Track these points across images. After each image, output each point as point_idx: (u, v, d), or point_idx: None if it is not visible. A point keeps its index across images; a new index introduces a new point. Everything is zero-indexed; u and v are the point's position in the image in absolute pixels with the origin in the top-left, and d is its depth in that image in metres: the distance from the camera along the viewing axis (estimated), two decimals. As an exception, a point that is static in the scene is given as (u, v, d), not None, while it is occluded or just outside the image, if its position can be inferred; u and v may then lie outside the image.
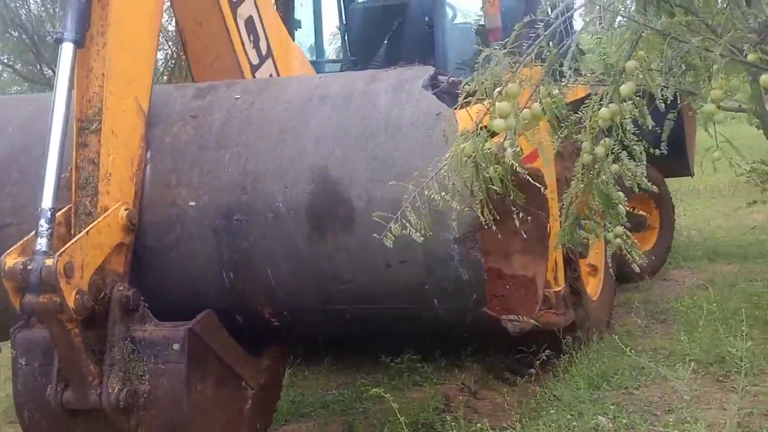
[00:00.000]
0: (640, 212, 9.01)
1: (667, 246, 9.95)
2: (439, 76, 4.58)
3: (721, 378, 6.00)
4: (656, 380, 6.01)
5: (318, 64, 8.22)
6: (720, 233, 11.91)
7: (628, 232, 4.05)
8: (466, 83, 3.40)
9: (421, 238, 3.31)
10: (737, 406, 5.40)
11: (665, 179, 9.53)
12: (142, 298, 4.19)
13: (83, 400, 4.05)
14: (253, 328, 4.62)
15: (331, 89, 4.63)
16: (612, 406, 5.45)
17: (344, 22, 8.80)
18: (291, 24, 7.94)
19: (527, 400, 5.97)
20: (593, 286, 7.58)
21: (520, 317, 4.77)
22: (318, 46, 8.72)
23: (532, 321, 4.85)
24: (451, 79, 4.64)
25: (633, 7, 3.26)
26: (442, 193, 3.31)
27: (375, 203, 4.04)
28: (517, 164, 3.27)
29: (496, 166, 3.23)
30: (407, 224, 3.29)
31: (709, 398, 5.55)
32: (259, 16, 5.76)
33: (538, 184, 3.82)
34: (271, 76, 5.84)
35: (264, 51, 5.82)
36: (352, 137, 4.33)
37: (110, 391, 4.01)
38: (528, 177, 3.51)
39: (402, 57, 7.21)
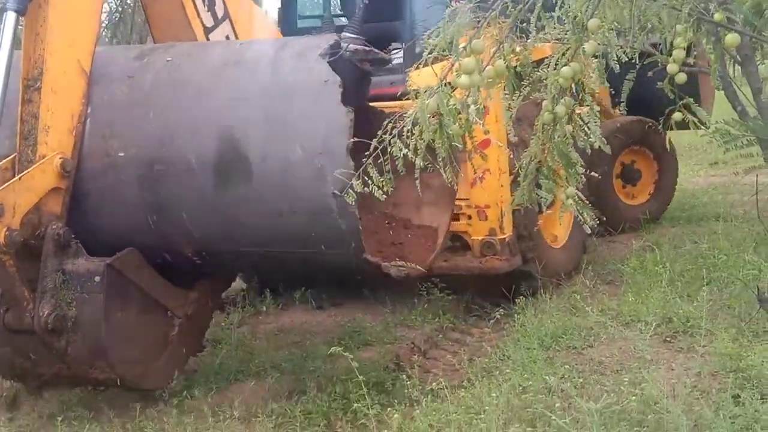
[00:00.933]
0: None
1: (667, 196, 10.17)
2: (343, 44, 4.99)
3: (668, 338, 6.05)
4: (605, 341, 6.05)
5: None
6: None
7: (580, 194, 4.07)
8: (429, 38, 3.34)
9: (384, 196, 3.27)
10: (685, 366, 5.47)
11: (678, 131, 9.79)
12: (73, 235, 4.83)
13: (19, 321, 4.77)
14: (180, 265, 5.24)
15: (246, 55, 5.30)
16: (564, 366, 5.48)
17: None
18: None
19: (480, 360, 5.98)
20: (560, 233, 7.88)
21: (407, 264, 5.21)
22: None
23: (419, 267, 5.31)
24: (352, 47, 5.11)
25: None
26: (404, 151, 3.26)
27: (268, 160, 4.73)
28: (481, 121, 3.23)
29: (459, 122, 3.19)
30: (369, 181, 3.25)
31: (658, 358, 5.59)
32: None
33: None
34: (227, 37, 6.31)
35: (220, 14, 6.29)
36: (255, 100, 4.91)
37: (41, 314, 4.69)
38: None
39: (380, 16, 7.62)
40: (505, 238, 6.92)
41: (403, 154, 3.22)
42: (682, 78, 3.45)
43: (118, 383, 5.03)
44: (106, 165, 5.04)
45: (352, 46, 5.11)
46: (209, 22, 6.23)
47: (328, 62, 4.75)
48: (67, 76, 4.97)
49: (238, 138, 4.81)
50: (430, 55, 3.33)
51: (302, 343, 6.70)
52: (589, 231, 4.31)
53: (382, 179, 3.25)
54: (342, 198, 4.19)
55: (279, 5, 9.07)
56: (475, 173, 6.54)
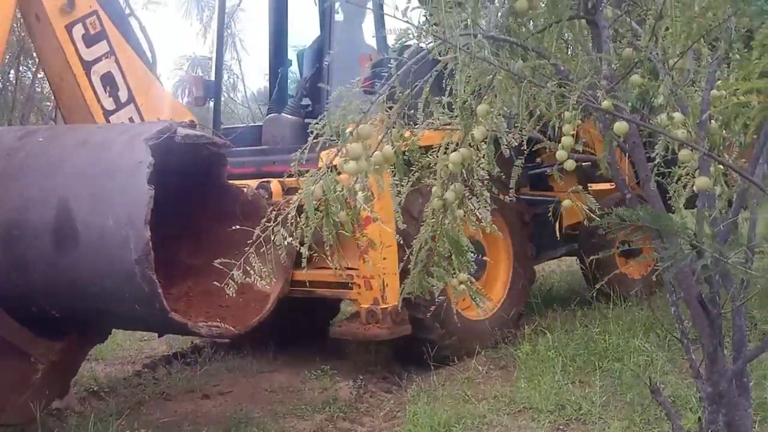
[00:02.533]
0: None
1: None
2: (180, 129, 5.80)
3: (561, 427, 5.97)
4: (497, 429, 5.94)
5: None
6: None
7: (472, 278, 4.00)
8: (315, 123, 3.23)
9: (267, 286, 3.11)
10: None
11: None
12: None
13: None
14: (46, 316, 5.95)
15: (95, 137, 6.11)
16: (457, 459, 5.34)
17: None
18: None
19: (370, 454, 5.78)
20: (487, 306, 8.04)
21: (222, 324, 6.07)
22: None
23: (233, 329, 6.14)
24: (183, 131, 5.82)
25: (487, 50, 3.16)
26: (289, 239, 3.11)
27: (91, 229, 5.47)
28: (369, 208, 3.11)
29: (347, 210, 3.06)
30: (251, 270, 3.08)
31: (552, 448, 5.50)
32: (121, 71, 7.15)
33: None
34: (131, 119, 7.18)
35: (123, 99, 7.17)
36: (88, 176, 5.69)
37: None
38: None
39: (312, 99, 8.86)
40: (387, 308, 7.26)
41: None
42: (570, 164, 3.41)
43: None
44: None
45: (182, 131, 5.77)
46: (110, 106, 7.09)
47: (152, 145, 5.44)
48: None
49: (71, 209, 5.56)
50: (315, 140, 3.20)
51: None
52: (482, 315, 4.27)
53: (264, 269, 3.09)
54: (142, 264, 5.13)
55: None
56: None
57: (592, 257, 9.77)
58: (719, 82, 3.37)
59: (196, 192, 6.59)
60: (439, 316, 7.55)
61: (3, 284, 5.77)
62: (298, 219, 3.14)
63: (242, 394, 7.45)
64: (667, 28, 3.08)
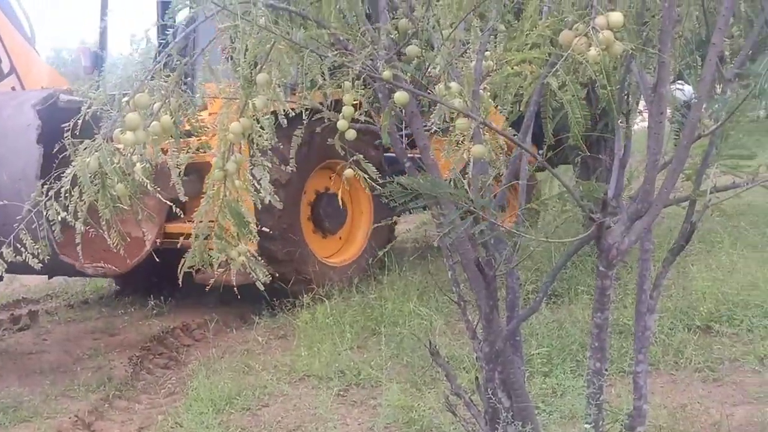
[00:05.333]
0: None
1: None
2: (62, 95, 6.54)
3: (342, 392, 6.04)
4: (280, 399, 5.95)
5: None
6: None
7: (252, 250, 3.99)
8: (89, 92, 3.08)
9: (39, 264, 2.95)
10: (359, 420, 5.49)
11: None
12: None
13: None
14: None
15: None
16: (239, 430, 5.29)
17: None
18: None
19: (150, 430, 5.63)
20: (343, 256, 9.58)
21: (106, 265, 6.96)
22: None
23: (115, 268, 7.07)
24: (65, 97, 6.50)
25: (266, 18, 3.11)
26: (62, 214, 2.96)
27: None
28: (148, 181, 3.01)
29: (125, 182, 2.94)
30: (22, 248, 2.91)
31: (333, 414, 5.55)
32: (2, 42, 7.58)
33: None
34: (14, 88, 7.68)
35: (6, 69, 7.67)
36: None
37: None
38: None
39: None
40: (238, 258, 7.47)
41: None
42: (351, 134, 3.45)
43: None
44: None
45: (64, 97, 6.42)
46: None
47: (39, 110, 6.21)
48: None
49: None
50: (89, 109, 3.05)
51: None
52: (262, 287, 4.26)
53: (37, 246, 2.93)
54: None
55: None
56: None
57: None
58: (487, 53, 3.50)
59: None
60: (301, 263, 8.53)
61: None
62: (72, 193, 3.00)
63: (10, 377, 7.08)
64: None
